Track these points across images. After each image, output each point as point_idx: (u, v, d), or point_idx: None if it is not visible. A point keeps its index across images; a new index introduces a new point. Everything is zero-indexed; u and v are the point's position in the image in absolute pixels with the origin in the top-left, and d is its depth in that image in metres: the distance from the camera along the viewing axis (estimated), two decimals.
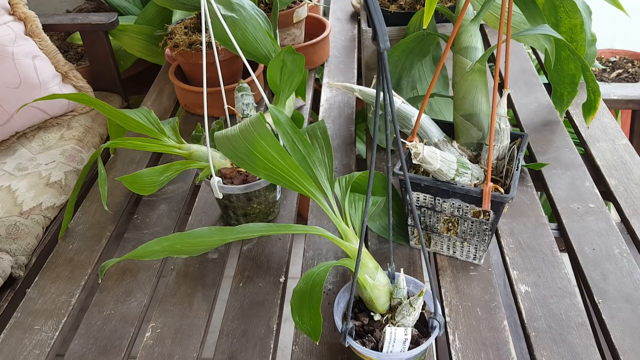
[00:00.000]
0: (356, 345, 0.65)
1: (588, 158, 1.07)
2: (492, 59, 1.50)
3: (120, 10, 1.75)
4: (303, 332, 0.63)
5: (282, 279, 0.86)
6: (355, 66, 1.43)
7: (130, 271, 0.89)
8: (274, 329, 0.79)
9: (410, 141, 0.74)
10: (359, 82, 1.40)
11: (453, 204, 0.80)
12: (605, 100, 1.33)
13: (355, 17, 1.71)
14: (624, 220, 0.92)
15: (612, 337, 0.74)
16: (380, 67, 0.51)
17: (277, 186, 0.94)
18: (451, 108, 1.09)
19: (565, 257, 0.89)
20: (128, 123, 0.87)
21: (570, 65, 1.04)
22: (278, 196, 0.96)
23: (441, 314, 0.71)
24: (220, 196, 0.88)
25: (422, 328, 0.70)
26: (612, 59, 1.82)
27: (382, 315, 0.70)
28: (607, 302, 0.78)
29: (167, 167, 0.88)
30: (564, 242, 0.90)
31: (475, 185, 0.80)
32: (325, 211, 0.71)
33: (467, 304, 0.80)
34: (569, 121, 1.19)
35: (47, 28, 1.33)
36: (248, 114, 0.93)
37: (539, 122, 1.16)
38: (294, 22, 1.33)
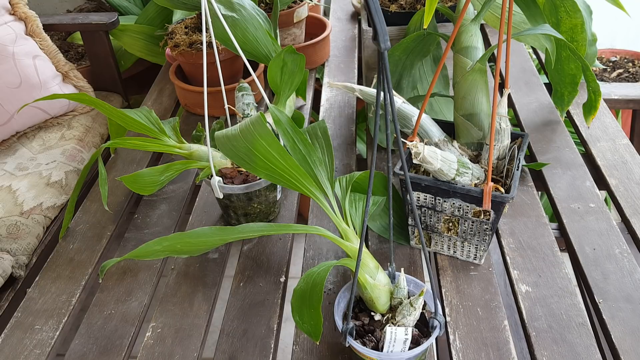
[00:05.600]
0: (357, 345, 0.65)
1: (589, 158, 1.07)
2: (493, 59, 1.50)
3: (121, 10, 1.75)
4: (303, 331, 0.63)
5: (282, 279, 0.86)
6: (356, 66, 1.43)
7: (130, 271, 0.89)
8: (275, 328, 0.79)
9: (411, 141, 0.74)
10: (360, 82, 1.40)
11: (453, 203, 0.80)
12: (605, 100, 1.33)
13: (355, 16, 1.71)
14: (625, 220, 0.92)
15: (612, 337, 0.74)
16: (380, 67, 0.51)
17: (278, 186, 0.94)
18: (452, 108, 1.09)
19: (565, 256, 0.89)
20: (128, 123, 0.87)
21: (571, 65, 1.04)
22: (278, 196, 0.96)
23: (441, 313, 0.71)
24: (221, 196, 0.88)
25: (423, 328, 0.70)
26: (613, 59, 1.82)
27: (383, 315, 0.70)
28: (608, 301, 0.78)
29: (167, 166, 0.88)
30: (565, 242, 0.90)
31: (475, 185, 0.80)
32: (325, 211, 0.71)
33: (467, 304, 0.80)
34: (570, 121, 1.19)
35: (47, 28, 1.33)
36: (248, 114, 0.93)
37: (539, 122, 1.16)
38: (295, 21, 1.33)
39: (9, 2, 1.26)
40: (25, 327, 0.81)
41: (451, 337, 0.75)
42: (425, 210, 0.83)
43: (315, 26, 1.46)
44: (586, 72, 0.93)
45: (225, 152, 0.69)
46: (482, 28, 1.51)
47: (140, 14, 1.58)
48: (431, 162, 0.74)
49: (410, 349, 0.65)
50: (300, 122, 1.06)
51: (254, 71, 1.19)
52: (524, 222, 0.92)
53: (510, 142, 0.85)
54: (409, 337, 0.64)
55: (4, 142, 1.25)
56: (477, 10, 0.91)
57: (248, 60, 1.00)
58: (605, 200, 1.42)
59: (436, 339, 0.69)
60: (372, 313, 0.71)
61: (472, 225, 0.81)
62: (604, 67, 1.77)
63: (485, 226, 0.80)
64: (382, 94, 0.54)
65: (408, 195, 0.68)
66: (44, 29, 1.30)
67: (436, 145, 0.87)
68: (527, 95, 1.25)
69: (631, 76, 1.73)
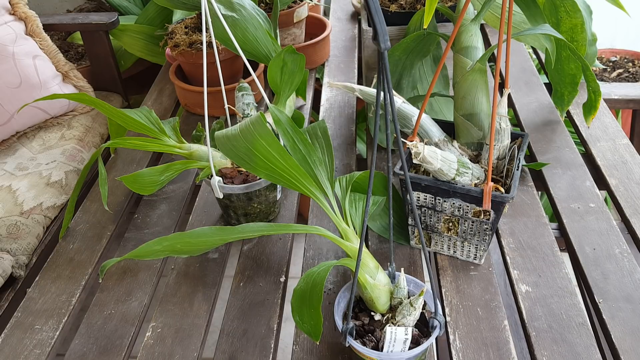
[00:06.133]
0: (357, 345, 0.65)
1: (589, 158, 1.07)
2: (493, 59, 1.50)
3: (121, 10, 1.75)
4: (303, 331, 0.63)
5: (282, 279, 0.86)
6: (356, 66, 1.43)
7: (130, 271, 0.89)
8: (275, 328, 0.79)
9: (411, 141, 0.74)
10: (360, 82, 1.40)
11: (453, 203, 0.80)
12: (605, 100, 1.33)
13: (355, 16, 1.71)
14: (625, 219, 0.92)
15: (612, 336, 0.74)
16: (380, 67, 0.51)
17: (278, 186, 0.94)
18: (452, 108, 1.09)
19: (565, 256, 0.89)
20: (128, 123, 0.87)
21: (571, 65, 1.04)
22: (278, 196, 0.96)
23: (441, 313, 0.71)
24: (221, 196, 0.88)
25: (423, 328, 0.70)
26: (613, 59, 1.82)
27: (383, 315, 0.70)
28: (608, 301, 0.78)
29: (167, 166, 0.88)
30: (565, 242, 0.90)
31: (475, 185, 0.80)
32: (325, 211, 0.71)
33: (467, 304, 0.80)
34: (570, 121, 1.19)
35: (47, 28, 1.33)
36: (248, 114, 0.93)
37: (539, 122, 1.16)
38: (295, 21, 1.33)
39: (9, 2, 1.26)
40: (25, 327, 0.81)
41: (451, 337, 0.75)
42: (425, 210, 0.83)
43: (315, 26, 1.46)
44: (586, 72, 0.93)
45: (225, 152, 0.69)
46: (482, 28, 1.51)
47: (140, 14, 1.58)
48: (431, 162, 0.74)
49: (410, 348, 0.65)
50: (300, 122, 1.06)
51: (254, 71, 1.19)
52: (524, 222, 0.92)
53: (510, 142, 0.85)
54: (409, 337, 0.64)
55: (4, 142, 1.25)
56: (477, 10, 0.91)
57: (248, 60, 1.00)
58: (605, 200, 1.42)
59: (436, 339, 0.69)
60: (372, 313, 0.71)
61: (472, 225, 0.81)
62: (604, 67, 1.77)
63: (485, 226, 0.80)
64: (382, 94, 0.54)
65: (408, 195, 0.68)
66: (44, 29, 1.30)
67: (436, 145, 0.87)
68: (527, 95, 1.25)
69: (631, 76, 1.73)
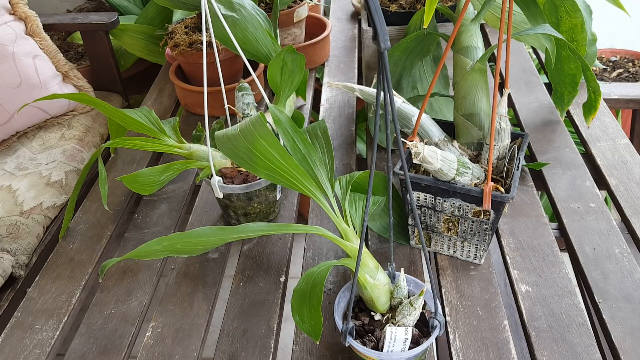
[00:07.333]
0: (357, 345, 0.65)
1: (589, 158, 1.07)
2: (493, 59, 1.50)
3: (121, 9, 1.76)
4: (303, 331, 0.63)
5: (282, 279, 0.86)
6: (356, 66, 1.43)
7: (130, 271, 0.89)
8: (275, 328, 0.79)
9: (411, 141, 0.74)
10: (360, 82, 1.40)
11: (453, 203, 0.80)
12: (605, 100, 1.33)
13: (355, 16, 1.71)
14: (625, 219, 0.92)
15: (612, 336, 0.74)
16: (380, 67, 0.51)
17: (278, 186, 0.94)
18: (452, 108, 1.09)
19: (565, 256, 0.89)
20: (128, 123, 0.87)
21: (571, 65, 1.04)
22: (278, 196, 0.96)
23: (441, 313, 0.71)
24: (221, 196, 0.88)
25: (423, 327, 0.70)
26: (613, 59, 1.82)
27: (383, 315, 0.70)
28: (608, 301, 0.78)
29: (167, 166, 0.88)
30: (565, 242, 0.90)
31: (475, 184, 0.80)
32: (325, 211, 0.71)
33: (467, 304, 0.80)
34: (570, 121, 1.19)
35: (47, 28, 1.33)
36: (248, 114, 0.93)
37: (539, 122, 1.16)
38: (295, 21, 1.33)
39: (9, 2, 1.26)
40: (25, 327, 0.81)
41: (451, 337, 0.75)
42: (425, 210, 0.83)
43: (315, 26, 1.46)
44: (586, 72, 0.93)
45: (225, 152, 0.69)
46: (482, 28, 1.51)
47: (140, 14, 1.58)
48: (431, 162, 0.74)
49: (410, 348, 0.65)
50: (300, 122, 1.06)
51: (254, 71, 1.19)
52: (524, 222, 0.92)
53: (510, 142, 0.85)
54: (409, 337, 0.64)
55: (4, 142, 1.25)
56: (477, 10, 0.91)
57: (248, 60, 1.00)
58: (605, 200, 1.42)
59: (436, 338, 0.69)
60: (372, 313, 0.71)
61: (472, 225, 0.81)
62: (604, 67, 1.77)
63: (485, 226, 0.80)
64: (382, 93, 0.54)
65: (408, 195, 0.68)
66: (44, 28, 1.30)
67: (436, 145, 0.87)
68: (527, 95, 1.25)
69: (631, 76, 1.73)
